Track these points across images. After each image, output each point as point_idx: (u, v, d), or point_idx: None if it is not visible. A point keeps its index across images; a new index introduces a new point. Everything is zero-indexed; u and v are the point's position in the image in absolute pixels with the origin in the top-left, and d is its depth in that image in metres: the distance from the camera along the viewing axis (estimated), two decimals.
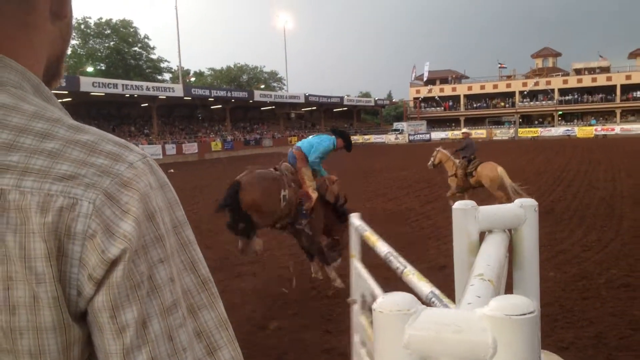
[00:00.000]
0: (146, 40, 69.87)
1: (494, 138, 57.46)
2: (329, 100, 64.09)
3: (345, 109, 69.55)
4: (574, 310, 5.71)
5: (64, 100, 38.46)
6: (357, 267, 3.28)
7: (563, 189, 14.96)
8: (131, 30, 68.12)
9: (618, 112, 63.91)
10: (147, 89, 43.36)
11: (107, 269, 0.60)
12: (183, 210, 0.71)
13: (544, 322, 4.88)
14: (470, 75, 78.26)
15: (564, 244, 8.63)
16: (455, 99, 73.79)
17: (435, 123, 71.64)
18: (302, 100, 59.82)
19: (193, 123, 54.00)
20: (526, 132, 57.55)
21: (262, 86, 74.92)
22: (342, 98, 66.38)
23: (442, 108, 73.86)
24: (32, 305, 0.59)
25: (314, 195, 6.74)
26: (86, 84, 38.21)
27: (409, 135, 59.84)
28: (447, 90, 74.00)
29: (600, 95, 65.52)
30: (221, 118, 55.48)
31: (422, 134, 60.18)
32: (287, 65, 69.89)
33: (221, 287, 6.92)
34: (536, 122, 67.65)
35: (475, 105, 72.77)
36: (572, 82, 67.06)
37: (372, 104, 73.58)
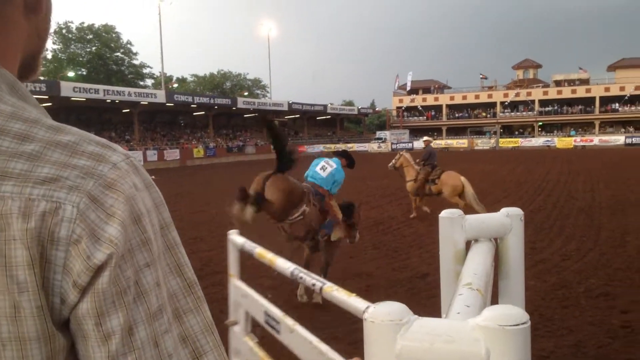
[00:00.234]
0: (129, 45, 69.46)
1: (476, 148, 58.03)
2: (312, 108, 64.17)
3: (329, 117, 69.67)
4: (554, 319, 5.75)
5: (43, 105, 37.40)
6: (239, 287, 3.21)
7: (543, 199, 15.12)
8: (114, 35, 67.64)
9: (597, 123, 64.96)
10: (129, 94, 42.99)
11: (92, 276, 0.58)
12: (168, 211, 0.70)
13: None
14: (453, 85, 79.19)
15: (543, 253, 8.70)
16: (438, 108, 74.42)
17: (417, 132, 71.96)
18: (285, 108, 59.80)
19: (175, 129, 53.64)
20: (507, 142, 58.22)
21: (246, 93, 74.78)
22: (325, 106, 66.49)
23: (425, 117, 74.42)
24: (14, 315, 0.56)
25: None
26: (67, 89, 37.76)
27: (392, 144, 60.19)
28: (430, 100, 74.65)
29: (579, 107, 66.60)
30: (204, 125, 55.21)
31: (405, 142, 60.50)
32: (271, 73, 69.87)
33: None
34: (517, 133, 68.50)
35: (457, 115, 73.46)
36: (552, 93, 68.09)
37: (356, 112, 73.84)
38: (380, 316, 0.64)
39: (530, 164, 29.93)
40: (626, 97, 63.45)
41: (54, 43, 63.95)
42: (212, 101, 52.03)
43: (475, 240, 1.38)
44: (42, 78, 34.90)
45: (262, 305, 2.80)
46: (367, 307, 0.70)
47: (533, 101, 68.58)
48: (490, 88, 73.84)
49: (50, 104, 38.46)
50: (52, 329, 0.58)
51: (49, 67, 62.55)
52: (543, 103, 68.45)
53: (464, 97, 73.40)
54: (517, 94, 69.25)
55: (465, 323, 0.63)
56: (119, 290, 0.59)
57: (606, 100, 65.14)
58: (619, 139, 54.47)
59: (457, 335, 0.62)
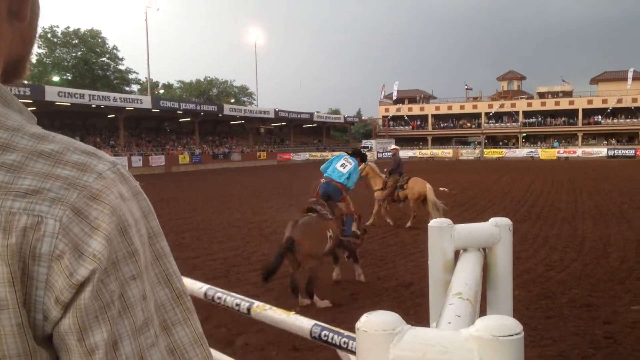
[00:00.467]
0: (115, 51, 69.12)
1: (461, 158, 58.47)
2: (298, 116, 64.25)
3: (315, 125, 69.80)
4: (537, 329, 5.78)
5: (28, 109, 37.56)
6: None
7: (527, 209, 15.24)
8: (99, 40, 67.26)
9: (580, 135, 65.83)
10: (115, 99, 42.70)
11: (75, 292, 0.56)
12: (157, 220, 0.68)
13: None
14: (438, 95, 79.80)
15: (528, 263, 8.76)
16: (423, 118, 74.96)
17: (403, 141, 72.45)
18: (271, 115, 59.80)
19: (161, 135, 53.37)
20: (491, 153, 58.77)
21: (232, 100, 74.72)
22: (311, 114, 66.62)
23: (410, 127, 74.89)
24: None
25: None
26: (51, 94, 37.38)
27: (378, 152, 60.38)
28: (416, 109, 75.17)
29: (562, 119, 67.47)
30: (189, 131, 55.00)
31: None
32: (258, 81, 69.95)
33: None
34: (501, 143, 69.20)
35: (442, 125, 74.06)
36: (536, 105, 68.94)
37: (342, 121, 74.06)
38: (374, 325, 0.63)
39: (514, 175, 30.20)
40: (608, 110, 64.45)
41: (39, 47, 63.46)
42: (198, 108, 51.90)
43: (464, 250, 1.38)
44: (26, 82, 34.54)
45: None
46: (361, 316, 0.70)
47: (517, 112, 69.37)
48: (475, 99, 74.58)
49: (34, 108, 38.09)
50: (33, 345, 0.56)
51: (33, 72, 62.00)
52: (527, 114, 69.25)
53: (449, 108, 74.06)
54: (502, 105, 70.01)
55: (459, 333, 0.62)
56: (102, 305, 0.57)
57: (589, 113, 66.10)
58: (601, 150, 55.28)
59: (451, 346, 0.61)
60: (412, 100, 76.52)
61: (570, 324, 5.95)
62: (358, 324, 0.65)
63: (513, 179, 26.84)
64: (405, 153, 62.22)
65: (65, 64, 65.91)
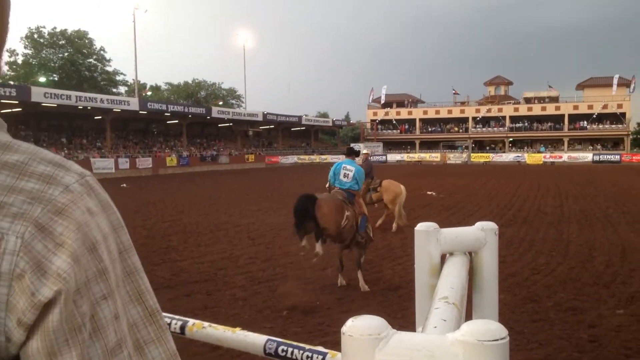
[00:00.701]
0: (102, 52, 68.67)
1: (448, 162, 58.76)
2: (287, 119, 64.24)
3: (303, 128, 69.83)
4: (523, 333, 5.81)
5: (13, 110, 37.24)
6: None
7: (513, 213, 15.34)
8: (86, 41, 66.81)
9: (566, 140, 66.48)
10: (102, 101, 42.40)
11: (39, 313, 0.53)
12: (128, 234, 0.65)
13: None
14: (426, 99, 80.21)
15: (514, 266, 8.81)
16: (411, 122, 75.30)
17: (391, 145, 72.83)
18: (260, 118, 59.74)
19: (148, 137, 53.08)
20: (479, 157, 59.13)
21: (220, 103, 74.52)
22: (300, 117, 66.64)
23: (399, 131, 75.16)
24: None
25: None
26: (37, 95, 37.03)
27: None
28: (404, 113, 75.51)
29: (549, 124, 68.14)
30: (177, 133, 54.78)
31: (379, 155, 60.93)
32: (246, 83, 69.80)
33: (170, 305, 6.75)
34: (488, 148, 69.71)
35: (430, 129, 74.43)
36: (523, 110, 69.53)
37: (330, 124, 74.15)
38: (359, 330, 0.63)
39: (501, 179, 30.40)
40: (594, 116, 65.15)
41: (25, 48, 63.02)
42: (186, 110, 51.69)
43: (450, 254, 1.39)
44: (12, 83, 34.22)
45: None
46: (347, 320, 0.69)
47: (504, 117, 69.91)
48: (462, 103, 75.09)
49: (20, 109, 37.75)
50: None
51: (19, 72, 61.46)
52: (514, 119, 69.83)
53: (437, 112, 74.47)
54: (489, 110, 70.51)
55: (445, 338, 0.62)
56: (72, 328, 0.54)
57: (575, 118, 66.83)
58: (587, 156, 55.82)
59: (437, 350, 0.61)
60: (400, 104, 76.84)
61: (556, 327, 5.99)
62: (343, 329, 0.64)
63: (500, 183, 27.02)
64: (393, 157, 62.68)
65: (52, 64, 65.39)
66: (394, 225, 12.68)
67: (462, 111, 72.85)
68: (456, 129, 72.91)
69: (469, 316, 1.19)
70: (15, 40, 59.53)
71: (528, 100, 71.50)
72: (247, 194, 22.59)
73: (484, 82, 78.49)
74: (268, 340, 1.49)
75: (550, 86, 73.61)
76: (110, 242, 0.60)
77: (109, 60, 69.57)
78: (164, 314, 1.94)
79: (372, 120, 75.87)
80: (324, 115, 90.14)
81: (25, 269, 0.53)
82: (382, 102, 75.65)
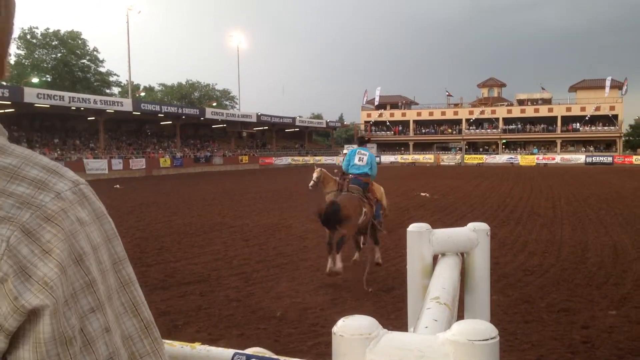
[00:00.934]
0: (95, 53, 68.39)
1: (442, 163, 58.89)
2: (281, 120, 64.20)
3: (297, 129, 69.80)
4: (516, 334, 5.82)
5: (6, 110, 37.03)
6: None
7: (507, 214, 15.39)
8: (80, 42, 66.52)
9: (559, 142, 66.74)
10: (95, 102, 42.23)
11: (23, 321, 0.51)
12: (122, 245, 0.63)
13: None
14: (420, 101, 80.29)
15: (506, 267, 8.83)
16: (405, 124, 75.42)
17: (385, 147, 72.93)
18: (254, 119, 59.68)
19: (141, 138, 52.91)
20: (472, 159, 59.30)
21: (214, 104, 74.38)
22: (294, 119, 66.62)
23: (392, 132, 75.27)
24: None
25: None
26: (30, 95, 36.83)
27: None
28: (397, 115, 75.62)
29: (542, 126, 68.37)
30: (171, 134, 54.65)
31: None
32: (240, 85, 69.78)
33: (164, 306, 6.73)
34: (481, 150, 69.90)
35: (423, 130, 74.57)
36: (516, 112, 69.77)
37: (324, 125, 74.17)
38: (350, 330, 0.63)
39: (494, 180, 30.49)
40: (587, 117, 65.45)
41: (17, 48, 62.64)
42: (179, 111, 51.58)
43: (442, 254, 1.39)
44: (4, 83, 34.03)
45: None
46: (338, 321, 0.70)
47: (497, 119, 70.13)
48: (456, 105, 75.26)
49: (12, 110, 37.56)
50: None
51: (12, 73, 61.00)
52: (507, 121, 70.05)
53: (431, 114, 74.63)
54: (482, 112, 70.73)
55: (435, 337, 0.63)
56: (63, 341, 0.53)
57: (568, 120, 67.12)
58: (579, 157, 56.11)
59: (427, 350, 0.61)
60: (394, 106, 76.95)
61: (548, 328, 6.01)
62: (334, 329, 0.65)
63: (493, 185, 27.10)
64: (387, 158, 62.81)
65: (45, 65, 65.08)
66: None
67: (456, 113, 73.05)
68: (450, 130, 73.09)
69: (460, 316, 1.20)
70: None
71: (521, 102, 71.75)
72: (241, 195, 22.55)
73: (477, 84, 78.76)
74: (236, 354, 1.31)
75: (543, 88, 73.91)
76: (102, 253, 0.59)
77: (102, 61, 69.35)
78: None
79: (366, 122, 75.95)
80: (318, 116, 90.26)
81: (9, 272, 0.52)
82: (376, 103, 75.77)
